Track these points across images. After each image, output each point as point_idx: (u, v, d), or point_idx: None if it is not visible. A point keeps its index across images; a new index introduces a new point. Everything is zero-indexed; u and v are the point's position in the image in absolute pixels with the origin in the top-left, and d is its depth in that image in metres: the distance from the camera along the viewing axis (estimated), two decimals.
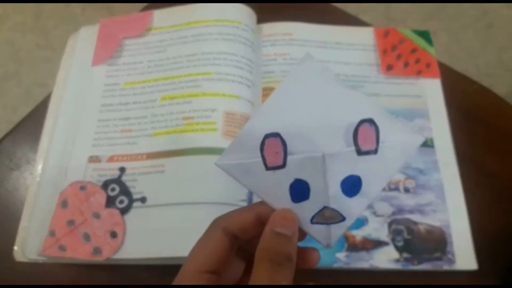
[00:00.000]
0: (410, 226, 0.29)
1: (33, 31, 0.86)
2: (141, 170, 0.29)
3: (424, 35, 0.37)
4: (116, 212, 0.28)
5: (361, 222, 0.29)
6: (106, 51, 0.35)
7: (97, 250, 0.26)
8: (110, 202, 0.28)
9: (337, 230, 0.16)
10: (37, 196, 0.29)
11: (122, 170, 0.29)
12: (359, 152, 0.16)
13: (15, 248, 0.28)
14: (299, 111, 0.16)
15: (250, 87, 0.32)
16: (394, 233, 0.29)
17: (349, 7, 0.43)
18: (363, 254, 0.28)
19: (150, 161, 0.29)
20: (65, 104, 0.33)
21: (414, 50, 0.36)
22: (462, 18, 0.87)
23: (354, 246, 0.28)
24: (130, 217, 0.28)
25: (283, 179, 0.16)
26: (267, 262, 0.14)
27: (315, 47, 0.36)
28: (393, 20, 0.86)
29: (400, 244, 0.28)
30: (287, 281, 0.14)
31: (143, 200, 0.28)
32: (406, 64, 0.36)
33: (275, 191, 0.16)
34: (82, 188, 0.29)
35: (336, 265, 0.28)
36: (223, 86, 0.31)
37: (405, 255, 0.28)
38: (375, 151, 0.16)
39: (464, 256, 0.28)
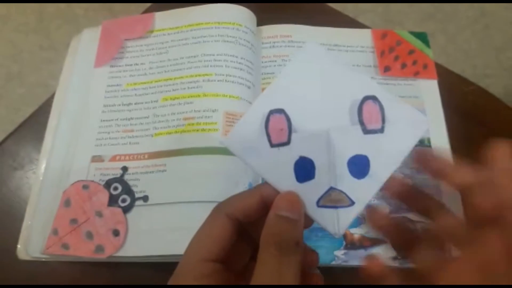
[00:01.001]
0: (408, 224, 0.29)
1: (35, 32, 0.87)
2: (143, 169, 0.29)
3: (421, 36, 0.38)
4: (118, 210, 0.28)
5: (359, 220, 0.30)
6: (108, 52, 0.35)
7: (99, 248, 0.27)
8: (112, 201, 0.28)
9: (346, 216, 0.15)
10: (40, 195, 0.29)
11: (125, 169, 0.30)
12: (365, 131, 0.16)
13: (19, 246, 0.28)
14: (303, 90, 0.16)
15: (250, 88, 0.33)
16: None
17: (348, 9, 0.43)
18: (361, 252, 0.28)
19: (152, 160, 0.30)
20: (68, 105, 0.33)
21: (411, 52, 0.37)
22: (459, 19, 0.87)
23: (352, 244, 0.29)
24: (132, 215, 0.28)
25: (288, 156, 0.16)
26: (274, 247, 0.13)
27: None
28: (391, 21, 0.87)
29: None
30: (295, 268, 0.13)
31: (145, 199, 0.28)
32: (404, 66, 0.36)
33: (279, 170, 0.16)
34: (85, 187, 0.29)
35: (334, 263, 0.28)
36: (223, 87, 0.31)
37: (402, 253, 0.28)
38: (381, 130, 0.16)
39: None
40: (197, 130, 0.30)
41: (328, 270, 0.28)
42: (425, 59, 0.37)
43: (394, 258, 0.28)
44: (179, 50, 0.34)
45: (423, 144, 0.33)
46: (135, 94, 0.33)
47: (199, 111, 0.31)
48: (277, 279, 0.13)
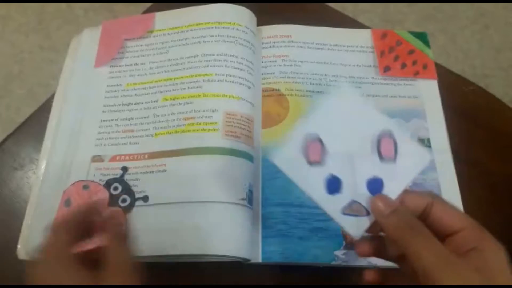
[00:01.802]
0: None
1: (36, 33, 0.87)
2: (143, 169, 0.29)
3: (421, 36, 0.38)
4: (119, 211, 0.28)
5: None
6: (109, 52, 0.35)
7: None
8: (113, 201, 0.28)
9: (363, 223, 0.20)
10: (40, 195, 0.29)
11: (125, 169, 0.30)
12: (381, 159, 0.20)
13: (19, 246, 0.28)
14: (336, 120, 0.21)
15: (251, 88, 0.33)
16: None
17: (348, 9, 0.43)
18: None
19: (151, 160, 0.30)
20: (69, 105, 0.33)
21: (411, 52, 0.37)
22: (459, 19, 0.87)
23: (352, 244, 0.29)
24: (132, 215, 0.28)
25: (321, 174, 0.20)
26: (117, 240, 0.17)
27: (313, 48, 0.36)
28: (391, 21, 0.87)
29: None
30: None
31: (145, 199, 0.28)
32: (404, 66, 0.36)
33: (314, 183, 0.20)
34: (85, 187, 0.29)
35: (334, 263, 0.28)
36: (223, 87, 0.31)
37: None
38: (394, 160, 0.20)
39: None
40: (197, 130, 0.30)
41: (328, 270, 0.28)
42: (425, 59, 0.37)
43: None
44: (179, 50, 0.34)
45: (423, 144, 0.33)
46: (135, 94, 0.33)
47: (199, 111, 0.31)
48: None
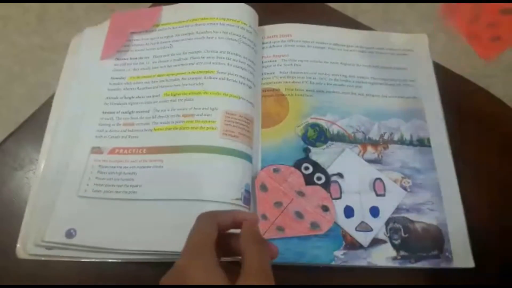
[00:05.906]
0: (407, 224, 0.29)
1: (36, 33, 0.87)
2: (140, 164, 0.29)
3: None
4: (318, 188, 0.30)
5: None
6: (116, 45, 0.35)
7: (314, 225, 0.29)
8: (309, 180, 0.30)
9: (369, 236, 0.29)
10: (39, 192, 0.29)
11: (308, 150, 0.31)
12: (377, 194, 0.30)
13: (18, 246, 0.28)
14: (346, 171, 0.31)
15: (251, 88, 0.33)
16: (392, 232, 0.29)
17: (348, 9, 0.43)
18: (360, 252, 0.28)
19: (149, 155, 0.30)
20: (71, 96, 0.33)
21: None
22: None
23: (352, 244, 0.29)
24: (126, 210, 0.27)
25: (340, 204, 0.30)
26: (255, 243, 0.19)
27: (313, 48, 0.36)
28: (391, 21, 0.87)
29: (397, 242, 0.29)
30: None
31: (340, 175, 0.30)
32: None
33: (336, 211, 0.30)
34: (276, 170, 0.30)
35: (334, 263, 0.28)
36: (224, 86, 0.31)
37: (402, 253, 0.28)
38: (384, 195, 0.30)
39: (461, 254, 0.28)
40: (196, 128, 0.30)
41: (328, 270, 0.28)
42: None
43: (394, 258, 0.28)
44: (183, 44, 0.34)
45: (423, 144, 0.33)
46: (138, 88, 0.33)
47: (199, 109, 0.31)
48: (264, 258, 0.18)
